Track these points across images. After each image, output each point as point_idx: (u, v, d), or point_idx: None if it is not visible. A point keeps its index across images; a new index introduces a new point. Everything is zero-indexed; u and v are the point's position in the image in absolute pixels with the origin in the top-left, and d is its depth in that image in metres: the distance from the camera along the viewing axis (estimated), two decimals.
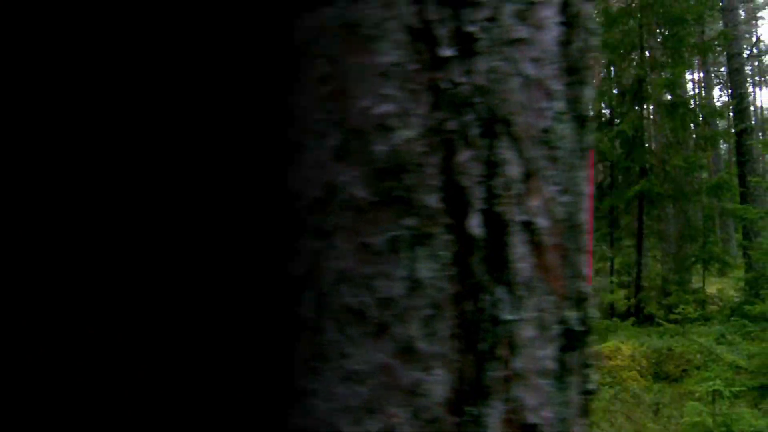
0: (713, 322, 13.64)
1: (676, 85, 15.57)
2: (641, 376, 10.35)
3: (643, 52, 15.86)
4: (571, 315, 0.61)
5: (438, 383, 0.52)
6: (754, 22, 49.26)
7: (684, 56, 15.92)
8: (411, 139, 0.52)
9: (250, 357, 0.52)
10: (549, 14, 0.58)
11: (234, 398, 0.52)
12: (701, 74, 32.27)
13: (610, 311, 15.28)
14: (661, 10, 15.69)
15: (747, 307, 11.68)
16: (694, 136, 16.83)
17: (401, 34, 0.52)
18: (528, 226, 0.54)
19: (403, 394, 0.52)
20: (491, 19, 0.54)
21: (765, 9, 48.73)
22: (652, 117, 16.05)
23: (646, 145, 16.13)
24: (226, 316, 0.53)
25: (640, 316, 14.59)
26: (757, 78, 52.24)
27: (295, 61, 0.51)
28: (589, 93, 0.65)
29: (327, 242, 0.51)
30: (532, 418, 0.57)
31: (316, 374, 0.52)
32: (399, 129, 0.51)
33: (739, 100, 17.53)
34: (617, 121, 16.07)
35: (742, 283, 15.54)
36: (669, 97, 16.13)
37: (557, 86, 0.58)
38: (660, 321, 12.25)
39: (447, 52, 0.53)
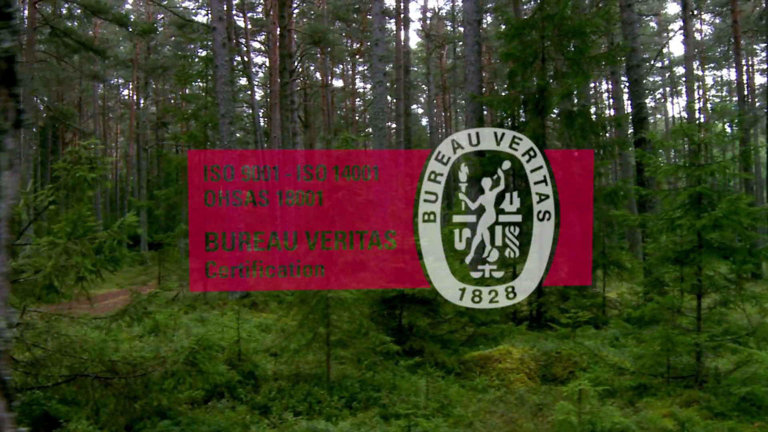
0: (609, 326, 14.06)
1: (575, 95, 15.99)
2: (529, 378, 10.61)
3: (545, 63, 16.25)
4: None
5: None
6: (665, 34, 50.65)
7: (583, 67, 16.35)
8: None
9: None
10: None
11: None
12: (611, 85, 33.05)
13: (512, 316, 15.60)
14: (566, 22, 16.10)
15: (629, 310, 12.06)
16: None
17: None
18: None
19: None
20: None
21: (675, 22, 50.17)
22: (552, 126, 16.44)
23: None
24: None
25: (541, 321, 14.94)
26: (668, 89, 53.71)
27: None
28: None
29: None
30: None
31: None
32: None
33: (638, 110, 18.10)
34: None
35: (640, 288, 16.03)
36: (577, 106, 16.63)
37: None
38: (552, 325, 12.56)
39: None
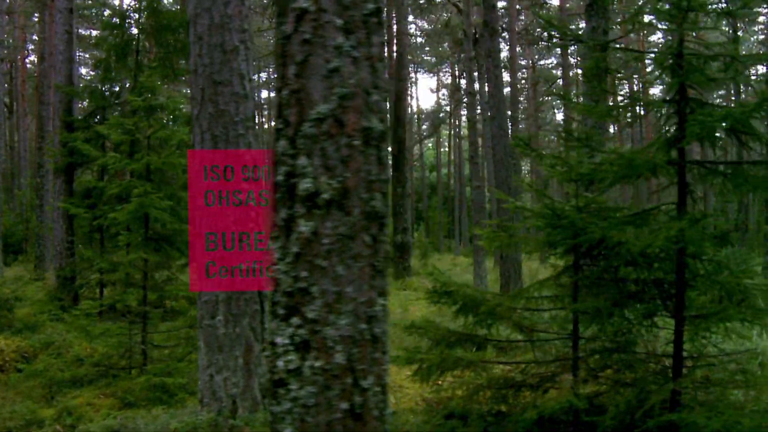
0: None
1: (155, 89, 16.06)
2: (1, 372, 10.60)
3: (138, 56, 16.29)
4: None
5: None
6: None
7: (172, 61, 16.53)
8: None
9: None
10: None
11: None
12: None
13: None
14: (159, 16, 16.21)
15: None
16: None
17: None
18: None
19: None
20: None
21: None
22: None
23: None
24: None
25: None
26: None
27: None
28: None
29: None
30: None
31: None
32: None
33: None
34: None
35: None
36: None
37: None
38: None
39: None
